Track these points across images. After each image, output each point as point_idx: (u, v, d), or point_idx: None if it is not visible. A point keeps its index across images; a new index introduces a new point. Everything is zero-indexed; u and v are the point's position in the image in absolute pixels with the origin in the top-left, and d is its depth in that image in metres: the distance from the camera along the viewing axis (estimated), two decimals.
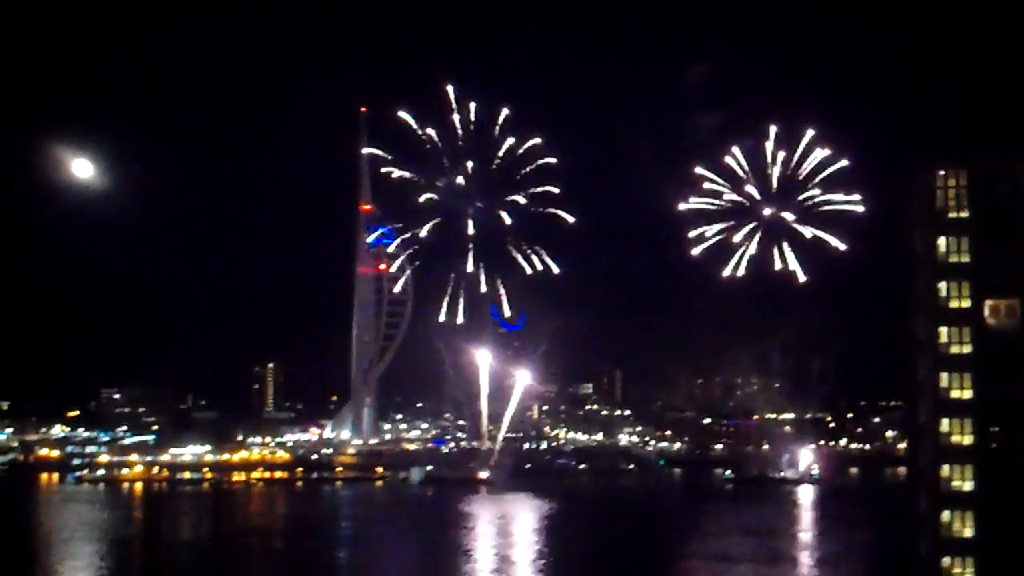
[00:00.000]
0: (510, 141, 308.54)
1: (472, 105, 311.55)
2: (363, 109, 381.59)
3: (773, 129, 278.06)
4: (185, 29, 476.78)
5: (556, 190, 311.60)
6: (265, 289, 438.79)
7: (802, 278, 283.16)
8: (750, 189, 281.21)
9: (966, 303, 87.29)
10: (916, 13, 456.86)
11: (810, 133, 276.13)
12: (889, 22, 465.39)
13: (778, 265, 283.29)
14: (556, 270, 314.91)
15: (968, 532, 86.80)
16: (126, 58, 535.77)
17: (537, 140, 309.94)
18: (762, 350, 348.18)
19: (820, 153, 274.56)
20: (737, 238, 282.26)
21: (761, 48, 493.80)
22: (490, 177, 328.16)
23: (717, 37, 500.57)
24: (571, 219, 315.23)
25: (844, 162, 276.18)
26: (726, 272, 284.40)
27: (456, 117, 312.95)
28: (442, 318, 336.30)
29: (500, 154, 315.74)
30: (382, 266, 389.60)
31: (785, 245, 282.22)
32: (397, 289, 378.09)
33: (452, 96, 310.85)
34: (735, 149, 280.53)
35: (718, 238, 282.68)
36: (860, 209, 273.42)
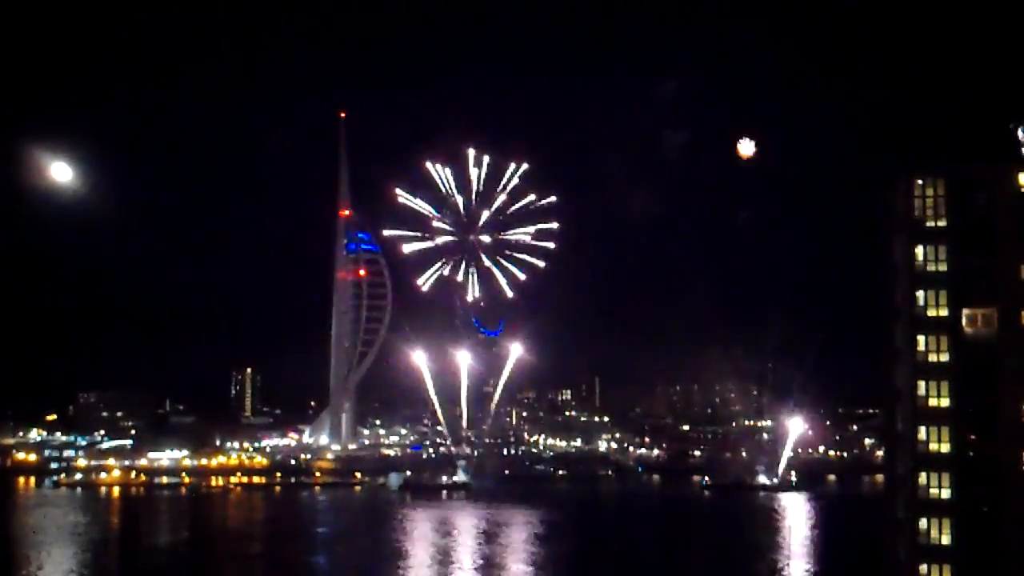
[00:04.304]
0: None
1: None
2: (342, 115, 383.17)
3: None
4: (166, 36, 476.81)
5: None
6: (244, 294, 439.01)
7: None
8: None
9: (944, 312, 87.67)
10: (894, 20, 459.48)
11: None
12: (867, 29, 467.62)
13: None
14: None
15: (945, 539, 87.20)
16: (108, 64, 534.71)
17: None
18: (741, 358, 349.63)
19: None
20: None
21: (731, 57, 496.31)
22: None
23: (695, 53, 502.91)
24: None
25: None
26: None
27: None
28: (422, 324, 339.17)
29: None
30: (361, 271, 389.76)
31: None
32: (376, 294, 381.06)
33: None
34: None
35: None
36: None
